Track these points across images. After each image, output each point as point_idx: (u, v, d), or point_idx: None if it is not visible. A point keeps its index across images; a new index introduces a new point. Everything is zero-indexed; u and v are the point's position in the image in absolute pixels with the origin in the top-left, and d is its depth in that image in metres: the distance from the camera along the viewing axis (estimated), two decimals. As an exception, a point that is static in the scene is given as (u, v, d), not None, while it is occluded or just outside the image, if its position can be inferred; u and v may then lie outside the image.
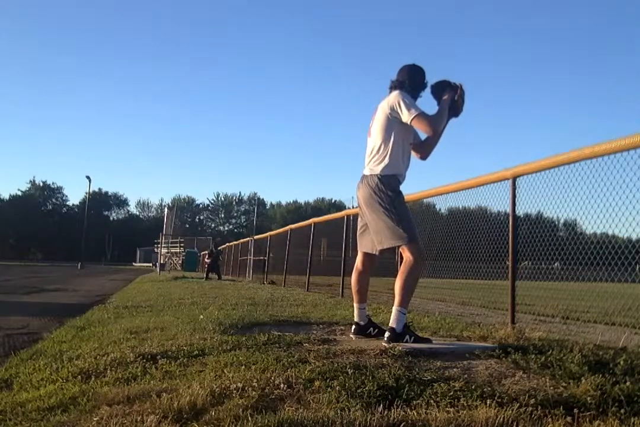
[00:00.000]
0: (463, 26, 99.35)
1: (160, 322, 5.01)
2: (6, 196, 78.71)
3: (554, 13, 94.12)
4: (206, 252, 24.00)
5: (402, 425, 2.00)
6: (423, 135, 3.81)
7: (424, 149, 3.86)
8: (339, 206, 66.30)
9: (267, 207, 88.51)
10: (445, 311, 6.42)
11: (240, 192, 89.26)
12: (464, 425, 2.02)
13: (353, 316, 3.96)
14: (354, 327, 3.87)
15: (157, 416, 2.16)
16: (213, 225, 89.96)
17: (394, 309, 3.49)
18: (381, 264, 8.87)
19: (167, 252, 35.34)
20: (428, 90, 3.79)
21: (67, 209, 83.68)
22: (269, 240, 16.97)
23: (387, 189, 3.57)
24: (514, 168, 4.68)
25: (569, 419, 2.08)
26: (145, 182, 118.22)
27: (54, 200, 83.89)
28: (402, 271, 3.52)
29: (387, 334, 3.47)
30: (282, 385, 2.46)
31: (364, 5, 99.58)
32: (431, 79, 3.79)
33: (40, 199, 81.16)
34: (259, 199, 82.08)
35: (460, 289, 8.05)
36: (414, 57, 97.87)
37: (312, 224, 11.72)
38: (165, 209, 45.65)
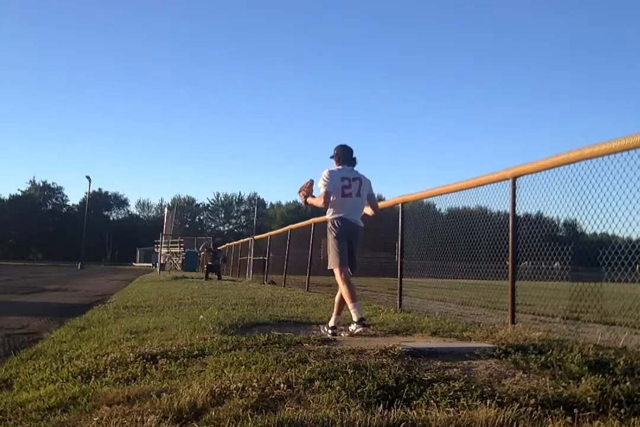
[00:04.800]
0: (463, 25, 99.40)
1: (160, 322, 5.01)
2: (6, 196, 78.71)
3: (555, 12, 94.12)
4: (204, 252, 23.88)
5: (402, 425, 2.00)
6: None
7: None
8: (339, 206, 66.06)
9: (267, 207, 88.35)
10: (445, 311, 6.42)
11: (240, 192, 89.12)
12: (464, 425, 2.02)
13: (353, 316, 3.98)
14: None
15: (157, 416, 2.16)
16: (213, 225, 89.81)
17: None
18: (381, 265, 8.88)
19: (167, 252, 35.30)
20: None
21: (67, 209, 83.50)
22: (269, 240, 16.96)
23: None
24: (514, 168, 4.68)
25: (569, 419, 2.08)
26: (145, 182, 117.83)
27: (54, 200, 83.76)
28: None
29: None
30: (282, 385, 2.46)
31: (362, 5, 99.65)
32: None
33: (40, 199, 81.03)
34: (259, 199, 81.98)
35: (461, 289, 8.04)
36: (413, 56, 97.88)
37: (312, 224, 11.71)
38: (165, 209, 45.50)
